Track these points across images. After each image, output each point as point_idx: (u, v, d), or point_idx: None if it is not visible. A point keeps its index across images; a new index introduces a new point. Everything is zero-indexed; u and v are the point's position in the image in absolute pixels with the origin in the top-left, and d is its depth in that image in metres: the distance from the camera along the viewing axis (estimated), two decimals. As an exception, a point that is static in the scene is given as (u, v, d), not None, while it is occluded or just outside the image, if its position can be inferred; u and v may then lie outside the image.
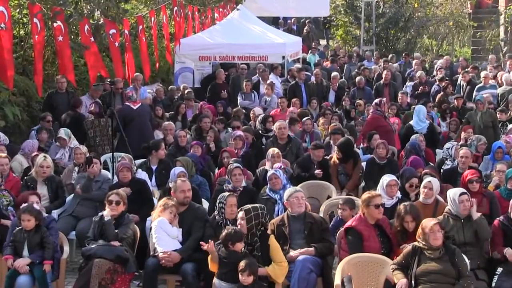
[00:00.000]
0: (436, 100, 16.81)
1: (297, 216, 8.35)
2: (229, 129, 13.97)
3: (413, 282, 7.24)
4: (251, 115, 15.49)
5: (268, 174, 9.78)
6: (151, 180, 10.94)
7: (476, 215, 8.11)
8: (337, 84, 18.83)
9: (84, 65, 16.79)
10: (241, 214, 7.81)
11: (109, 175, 10.92)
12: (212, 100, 17.40)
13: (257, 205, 8.02)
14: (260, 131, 13.84)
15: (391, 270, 7.46)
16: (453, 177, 10.38)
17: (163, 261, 8.09)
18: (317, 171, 11.23)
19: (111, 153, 11.96)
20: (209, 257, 7.67)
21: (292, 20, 31.98)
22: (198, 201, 9.33)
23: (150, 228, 8.54)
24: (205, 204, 9.74)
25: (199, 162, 11.35)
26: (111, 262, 8.00)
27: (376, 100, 13.83)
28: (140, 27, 18.29)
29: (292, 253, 8.10)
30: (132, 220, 8.84)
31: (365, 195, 8.25)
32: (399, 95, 17.28)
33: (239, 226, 7.71)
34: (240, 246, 7.54)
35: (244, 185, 9.84)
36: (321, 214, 9.48)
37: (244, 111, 15.95)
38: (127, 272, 8.13)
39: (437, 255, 7.26)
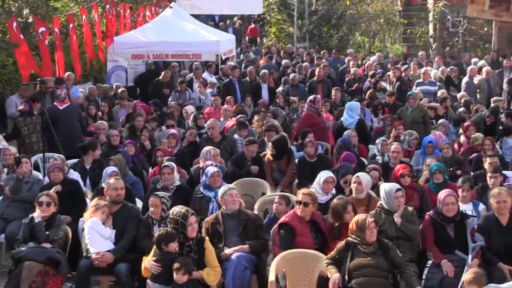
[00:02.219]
0: (367, 96, 17.03)
1: (232, 214, 8.35)
2: (163, 128, 13.86)
3: (346, 276, 7.31)
4: (183, 113, 15.43)
5: (210, 171, 9.69)
6: (85, 181, 10.78)
7: (399, 221, 8.25)
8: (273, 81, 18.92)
9: (13, 64, 16.41)
10: (194, 218, 7.71)
11: (40, 176, 10.73)
12: (153, 98, 17.23)
13: (184, 207, 7.86)
14: (193, 129, 13.78)
15: (325, 265, 7.52)
16: (384, 172, 10.54)
17: (96, 262, 7.99)
18: (253, 167, 11.25)
19: (42, 154, 11.73)
20: (143, 265, 7.60)
21: (228, 22, 31.95)
22: (131, 201, 9.24)
23: (83, 229, 8.41)
24: (139, 204, 9.66)
25: (132, 161, 11.25)
26: (42, 264, 7.86)
27: (311, 97, 13.91)
28: (71, 25, 17.96)
29: (227, 251, 8.10)
30: (64, 221, 8.70)
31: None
32: (333, 91, 17.42)
33: (190, 229, 7.63)
34: (174, 246, 7.48)
35: (178, 184, 9.78)
36: (256, 211, 9.50)
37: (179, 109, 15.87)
38: (58, 274, 8.00)
39: (371, 250, 7.36)
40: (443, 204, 8.20)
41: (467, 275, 6.70)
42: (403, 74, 18.79)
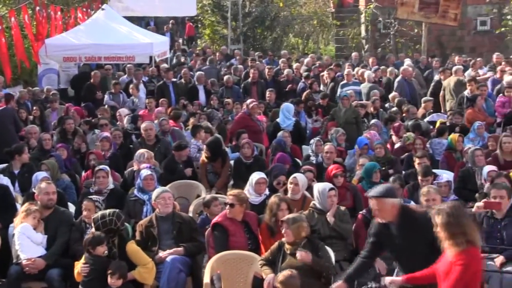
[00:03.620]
0: (303, 98, 17.12)
1: (166, 217, 8.32)
2: (96, 131, 13.69)
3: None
4: (117, 116, 15.27)
5: (144, 174, 9.62)
6: (14, 186, 10.55)
7: (332, 220, 8.35)
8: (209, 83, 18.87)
9: None
10: None
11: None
12: (86, 101, 16.99)
13: (108, 211, 7.77)
14: (129, 130, 13.68)
15: (259, 266, 7.54)
16: (318, 172, 10.63)
17: (27, 268, 7.85)
18: (186, 170, 11.22)
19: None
20: (76, 270, 7.49)
21: (165, 28, 31.73)
22: (63, 205, 9.13)
23: (13, 235, 8.24)
24: (72, 208, 9.54)
25: (64, 165, 11.09)
26: (-30, 272, 7.69)
27: (248, 101, 13.91)
28: (-1, 27, 17.61)
29: (161, 253, 8.05)
30: (-6, 227, 8.52)
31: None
32: (267, 93, 17.47)
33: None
34: (101, 250, 7.41)
35: (112, 187, 9.69)
36: (191, 214, 9.48)
37: (111, 111, 15.71)
38: (-12, 281, 7.84)
39: (292, 251, 7.39)
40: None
41: (279, 276, 6.71)
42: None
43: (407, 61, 20.71)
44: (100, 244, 7.38)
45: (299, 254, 7.20)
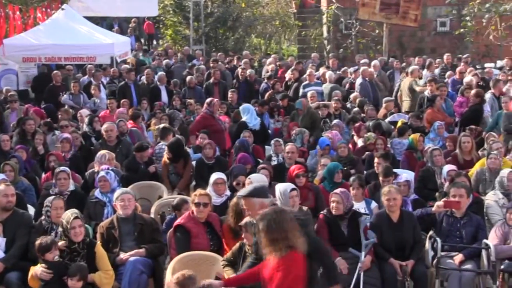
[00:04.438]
0: (266, 98, 17.13)
1: (127, 218, 8.26)
2: (56, 132, 13.54)
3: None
4: (78, 117, 15.13)
5: (99, 175, 9.58)
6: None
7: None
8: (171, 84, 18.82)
9: None
10: (78, 222, 7.52)
11: None
12: (48, 103, 16.78)
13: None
14: (88, 133, 13.56)
15: (221, 267, 7.53)
16: (280, 172, 10.65)
17: (-15, 271, 7.74)
18: (150, 167, 11.22)
19: None
20: (30, 274, 7.39)
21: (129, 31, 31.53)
22: (23, 207, 9.02)
23: (-30, 238, 8.13)
24: (31, 210, 9.43)
25: (24, 167, 10.96)
26: None
27: (208, 100, 13.88)
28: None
29: (123, 255, 8.00)
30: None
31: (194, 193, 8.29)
32: (229, 93, 17.46)
33: (72, 233, 7.45)
34: (51, 256, 7.32)
35: (72, 189, 9.61)
36: (152, 215, 9.44)
37: (72, 112, 15.56)
38: None
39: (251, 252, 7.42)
40: (330, 202, 8.42)
41: (174, 277, 6.48)
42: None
43: (374, 62, 20.88)
44: (48, 251, 7.29)
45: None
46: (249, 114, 13.73)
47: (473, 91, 14.64)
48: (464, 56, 22.31)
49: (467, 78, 16.27)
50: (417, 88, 16.33)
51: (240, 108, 14.06)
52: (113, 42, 20.31)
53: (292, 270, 5.72)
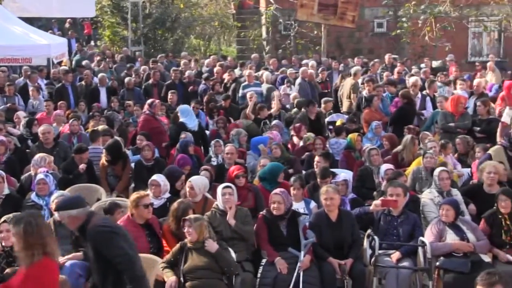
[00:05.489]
0: (205, 99, 17.07)
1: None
2: (-10, 135, 13.25)
3: (182, 279, 7.33)
4: (14, 119, 14.84)
5: (37, 178, 9.42)
6: None
7: (233, 222, 8.39)
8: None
9: None
10: (5, 226, 7.42)
11: None
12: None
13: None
14: (24, 135, 13.31)
15: (161, 269, 7.49)
16: (220, 173, 10.65)
17: None
18: (80, 166, 11.03)
19: None
20: None
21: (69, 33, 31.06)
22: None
23: None
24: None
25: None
26: None
27: (149, 101, 13.77)
28: None
29: (60, 259, 7.87)
30: None
31: (134, 195, 8.22)
32: (169, 94, 17.35)
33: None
34: None
35: (7, 193, 9.46)
36: (90, 218, 9.29)
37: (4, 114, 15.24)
38: None
39: (198, 246, 7.48)
40: (271, 203, 8.45)
41: None
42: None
43: (311, 62, 21.05)
44: None
45: (207, 242, 7.36)
46: (188, 115, 13.64)
47: (400, 92, 14.94)
48: (405, 59, 22.81)
49: (413, 78, 16.54)
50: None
51: (178, 109, 13.96)
52: (49, 43, 19.92)
53: (44, 277, 5.59)
